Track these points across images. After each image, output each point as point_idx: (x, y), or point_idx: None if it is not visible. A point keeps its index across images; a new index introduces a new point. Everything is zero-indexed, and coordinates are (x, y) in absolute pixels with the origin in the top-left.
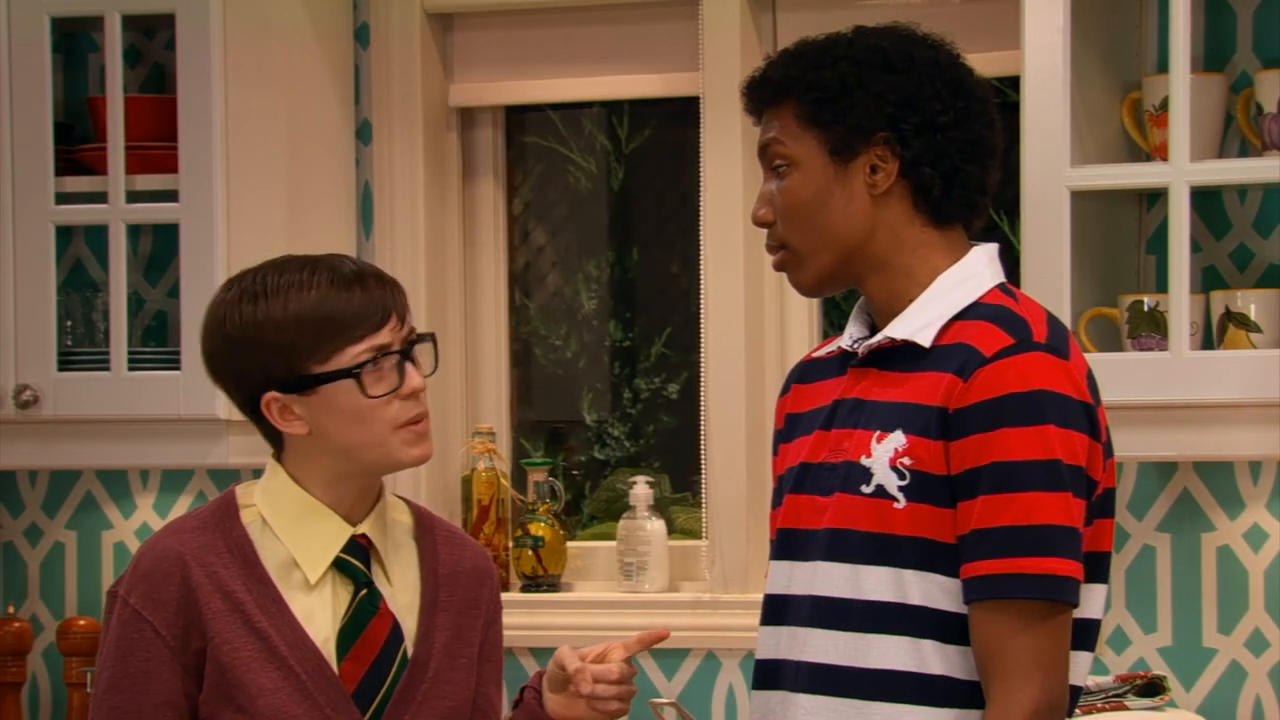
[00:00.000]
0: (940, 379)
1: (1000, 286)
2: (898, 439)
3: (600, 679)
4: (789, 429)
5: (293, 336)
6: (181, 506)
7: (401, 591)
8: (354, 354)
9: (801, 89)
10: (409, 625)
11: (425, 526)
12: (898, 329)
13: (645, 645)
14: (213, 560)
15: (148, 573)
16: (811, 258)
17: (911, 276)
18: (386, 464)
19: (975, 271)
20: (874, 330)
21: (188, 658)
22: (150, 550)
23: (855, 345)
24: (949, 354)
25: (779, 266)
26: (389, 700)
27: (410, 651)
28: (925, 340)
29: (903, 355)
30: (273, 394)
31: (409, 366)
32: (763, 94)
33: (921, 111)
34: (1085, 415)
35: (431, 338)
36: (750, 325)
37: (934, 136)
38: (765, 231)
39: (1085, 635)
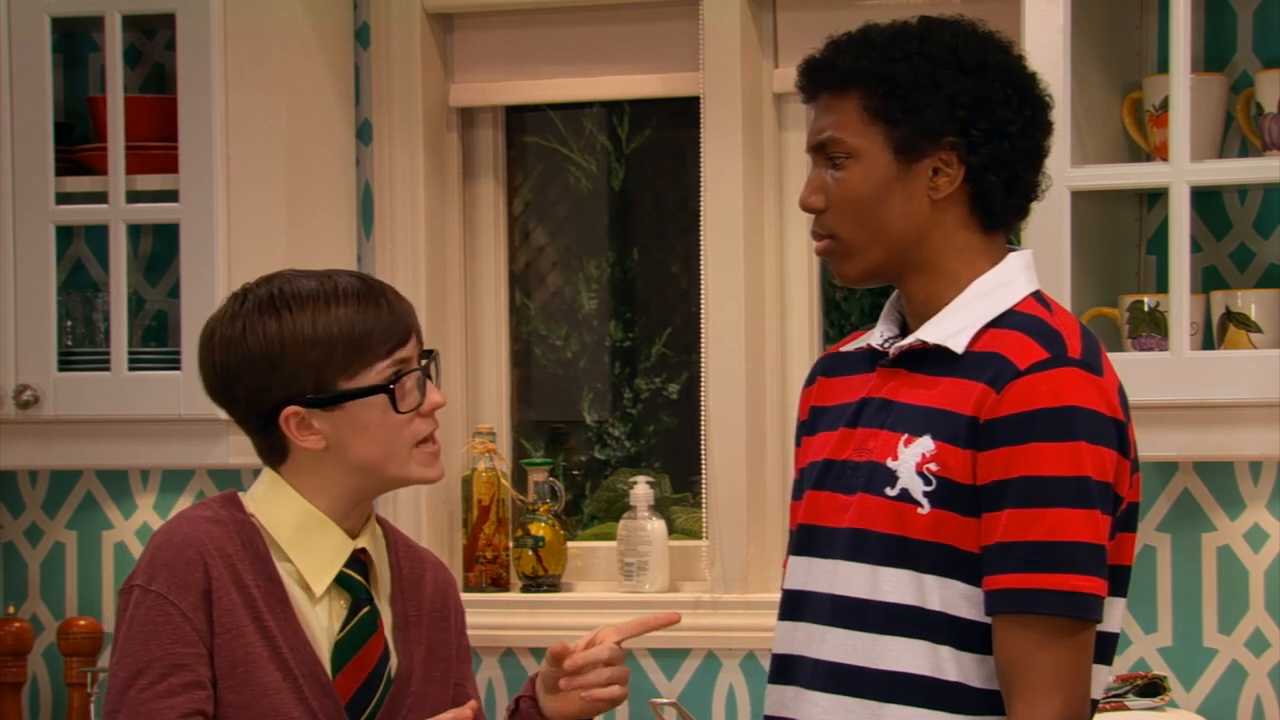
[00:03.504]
0: (972, 387)
1: (1035, 295)
2: (926, 444)
3: (591, 661)
4: (813, 421)
5: (323, 352)
6: (181, 507)
7: (382, 608)
8: (380, 370)
9: (873, 80)
10: (391, 642)
11: (391, 539)
12: (930, 332)
13: (645, 629)
14: (230, 552)
15: (170, 561)
16: (861, 252)
17: (954, 279)
18: (400, 481)
19: (1011, 278)
20: (904, 328)
21: (210, 644)
22: (169, 540)
23: (886, 345)
24: (982, 362)
25: (823, 254)
26: (374, 718)
27: (393, 671)
28: (958, 346)
29: (933, 358)
30: (293, 408)
31: (429, 383)
32: (828, 79)
33: (991, 118)
34: (1116, 431)
35: (437, 354)
36: (750, 325)
37: (1001, 145)
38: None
39: (1103, 649)
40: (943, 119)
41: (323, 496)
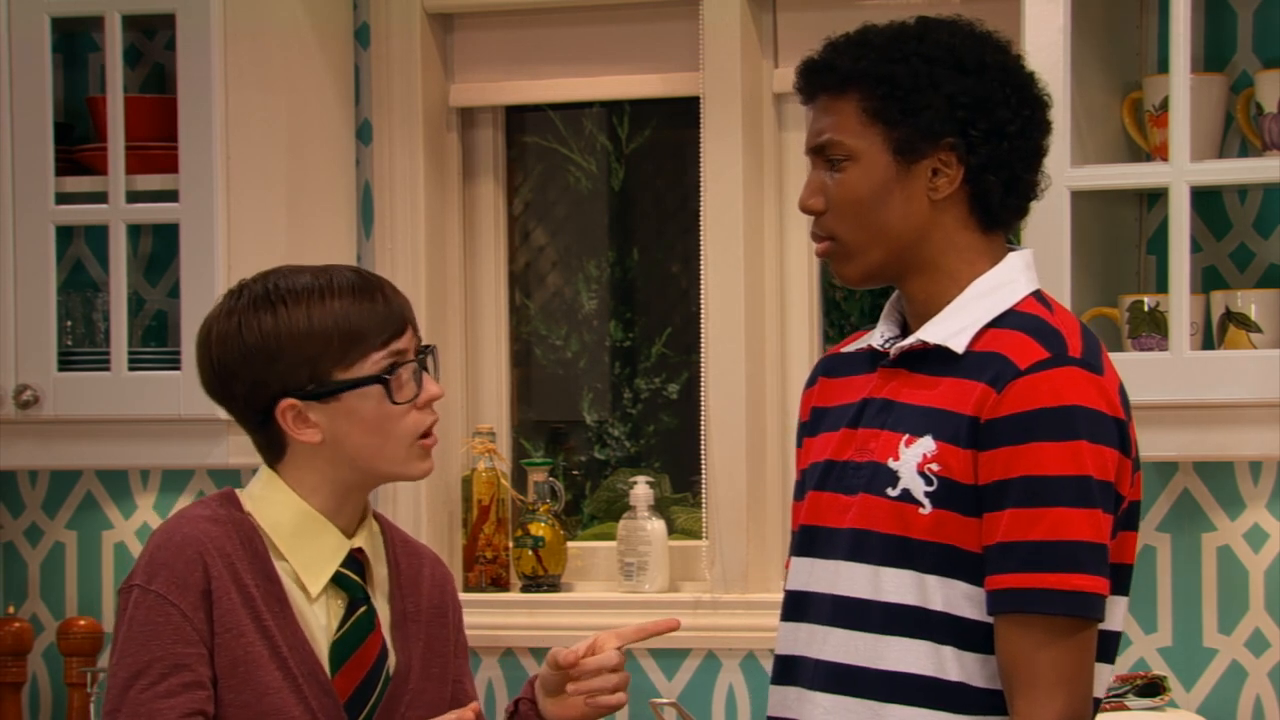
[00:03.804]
0: (973, 387)
1: (1035, 294)
2: (927, 444)
3: (599, 667)
4: (814, 422)
5: (320, 345)
6: (181, 507)
7: (380, 605)
8: (376, 361)
9: (871, 82)
10: (389, 639)
11: (389, 535)
12: (931, 333)
13: (645, 635)
14: (230, 551)
15: (169, 561)
16: (861, 253)
17: (954, 279)
18: (395, 475)
19: (1011, 278)
20: (905, 328)
21: (210, 644)
22: (168, 539)
23: (886, 345)
24: (982, 362)
25: (823, 255)
26: (373, 716)
27: (391, 669)
28: (959, 346)
29: (934, 357)
30: (290, 401)
31: (425, 375)
32: (827, 81)
33: (990, 118)
34: (1117, 430)
35: (434, 348)
36: (750, 325)
37: (1000, 145)
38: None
39: (1106, 647)
40: (942, 119)
41: (317, 494)
